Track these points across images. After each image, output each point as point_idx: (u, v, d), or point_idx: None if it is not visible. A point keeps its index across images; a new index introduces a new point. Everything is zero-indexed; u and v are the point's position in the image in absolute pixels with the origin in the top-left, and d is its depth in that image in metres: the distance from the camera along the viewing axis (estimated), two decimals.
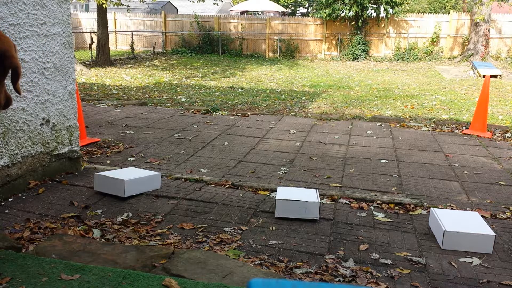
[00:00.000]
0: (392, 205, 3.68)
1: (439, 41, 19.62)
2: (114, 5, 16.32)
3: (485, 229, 3.00)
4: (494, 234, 2.95)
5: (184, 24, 22.13)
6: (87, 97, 8.93)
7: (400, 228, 3.28)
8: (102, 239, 2.95)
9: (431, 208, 3.40)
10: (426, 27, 19.71)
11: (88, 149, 5.14)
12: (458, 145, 5.86)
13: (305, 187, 4.03)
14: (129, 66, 16.58)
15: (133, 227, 3.14)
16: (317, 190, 3.66)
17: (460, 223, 3.07)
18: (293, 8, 39.32)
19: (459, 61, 18.35)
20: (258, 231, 3.16)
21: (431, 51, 19.48)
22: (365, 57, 19.55)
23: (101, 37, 16.66)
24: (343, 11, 19.43)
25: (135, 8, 23.59)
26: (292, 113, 7.99)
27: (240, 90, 11.17)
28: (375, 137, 6.18)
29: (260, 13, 28.52)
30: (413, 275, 2.64)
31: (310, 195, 3.44)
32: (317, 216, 3.33)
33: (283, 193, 3.48)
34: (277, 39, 20.85)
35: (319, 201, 3.38)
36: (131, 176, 3.72)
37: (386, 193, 4.03)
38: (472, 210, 3.63)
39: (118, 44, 22.93)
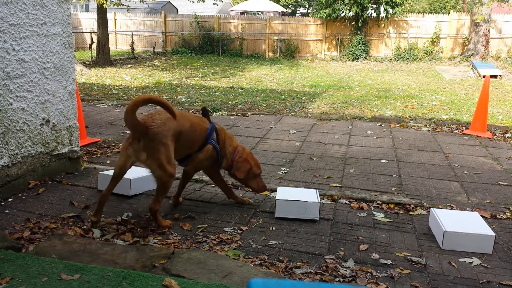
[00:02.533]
0: (392, 205, 3.68)
1: (439, 41, 19.63)
2: (114, 5, 16.33)
3: (485, 229, 3.00)
4: (494, 234, 2.95)
5: (184, 24, 22.14)
6: (87, 97, 8.93)
7: (400, 228, 3.28)
8: (102, 239, 2.95)
9: (431, 208, 3.40)
10: (426, 27, 19.72)
11: (88, 149, 5.13)
12: (458, 145, 5.86)
13: (305, 187, 4.02)
14: (129, 66, 16.58)
15: (133, 227, 3.13)
16: (317, 190, 3.65)
17: (460, 223, 3.07)
18: (293, 8, 39.30)
19: (459, 61, 18.35)
20: (258, 231, 3.16)
21: (431, 51, 19.48)
22: (365, 57, 19.55)
23: (101, 37, 16.66)
24: (343, 11, 19.44)
25: (135, 8, 23.60)
26: (292, 113, 7.99)
27: (240, 90, 11.17)
28: (375, 137, 6.18)
29: (260, 13, 28.52)
30: (413, 275, 2.64)
31: (310, 195, 3.43)
32: (317, 216, 3.33)
33: (283, 193, 3.48)
34: (277, 39, 20.86)
35: (319, 201, 3.37)
36: (135, 175, 3.73)
37: (386, 193, 4.03)
38: (472, 210, 3.63)
39: (118, 44, 22.94)
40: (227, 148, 3.41)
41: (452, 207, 3.72)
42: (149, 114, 3.13)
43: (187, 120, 3.21)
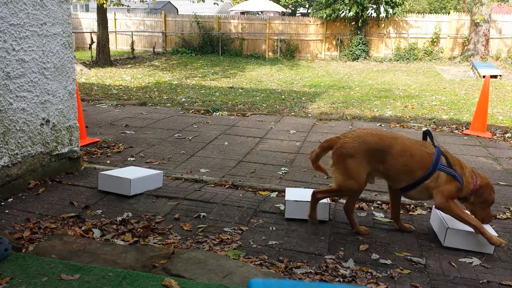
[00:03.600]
0: None
1: (439, 41, 19.63)
2: (114, 5, 16.33)
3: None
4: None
5: (184, 24, 22.14)
6: (87, 97, 8.93)
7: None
8: (102, 239, 2.95)
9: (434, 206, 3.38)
10: (426, 27, 19.72)
11: (88, 149, 5.14)
12: (458, 145, 5.86)
13: (305, 187, 4.02)
14: (129, 66, 16.58)
15: (133, 227, 3.13)
16: None
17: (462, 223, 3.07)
18: (293, 8, 39.31)
19: (459, 61, 18.35)
20: (258, 231, 3.15)
21: (431, 51, 19.48)
22: (365, 57, 19.55)
23: (101, 37, 16.66)
24: (343, 11, 19.44)
25: (135, 8, 23.60)
26: (292, 113, 7.99)
27: (240, 90, 11.17)
28: None
29: (260, 13, 28.52)
30: (413, 275, 2.64)
31: None
32: (327, 217, 3.31)
33: (292, 194, 3.45)
34: (277, 39, 20.86)
35: (329, 202, 3.36)
36: (135, 175, 3.73)
37: (386, 193, 4.02)
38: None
39: (118, 44, 22.94)
40: (464, 173, 3.00)
41: None
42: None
43: (398, 144, 2.99)
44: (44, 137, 3.90)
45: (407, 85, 12.30)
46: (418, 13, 26.32)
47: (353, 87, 11.86)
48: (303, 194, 3.46)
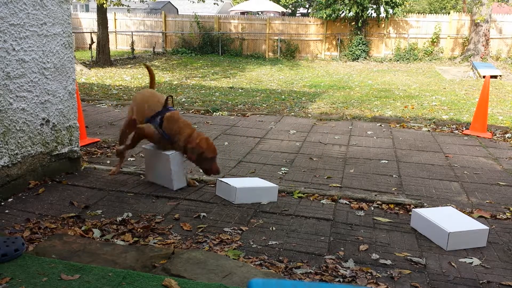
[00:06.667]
0: (392, 206, 3.68)
1: (439, 42, 19.64)
2: (114, 5, 16.33)
3: (476, 224, 3.08)
4: (488, 228, 3.03)
5: (184, 24, 22.14)
6: (87, 97, 8.93)
7: (400, 229, 3.28)
8: (102, 239, 2.95)
9: (413, 209, 3.37)
10: (426, 28, 19.72)
11: (88, 149, 5.14)
12: (458, 145, 5.86)
13: (305, 187, 4.03)
14: (129, 66, 16.58)
15: (133, 227, 3.13)
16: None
17: (452, 221, 3.08)
18: (293, 8, 39.32)
19: (459, 62, 18.35)
20: (258, 231, 3.15)
21: (431, 52, 19.49)
22: (365, 58, 19.56)
23: (101, 37, 16.66)
24: (343, 12, 19.45)
25: (135, 8, 23.60)
26: (292, 113, 7.99)
27: (240, 90, 11.17)
28: (375, 137, 6.17)
29: (260, 13, 28.53)
30: (413, 276, 2.64)
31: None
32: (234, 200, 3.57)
33: (236, 181, 3.75)
34: (277, 40, 20.86)
35: (236, 187, 3.58)
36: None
37: (386, 193, 4.03)
38: (472, 211, 3.63)
39: (118, 44, 22.94)
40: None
41: (453, 207, 3.71)
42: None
43: None
44: (44, 137, 3.90)
45: (407, 85, 12.30)
46: (418, 13, 26.32)
47: (353, 87, 11.86)
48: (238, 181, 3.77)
